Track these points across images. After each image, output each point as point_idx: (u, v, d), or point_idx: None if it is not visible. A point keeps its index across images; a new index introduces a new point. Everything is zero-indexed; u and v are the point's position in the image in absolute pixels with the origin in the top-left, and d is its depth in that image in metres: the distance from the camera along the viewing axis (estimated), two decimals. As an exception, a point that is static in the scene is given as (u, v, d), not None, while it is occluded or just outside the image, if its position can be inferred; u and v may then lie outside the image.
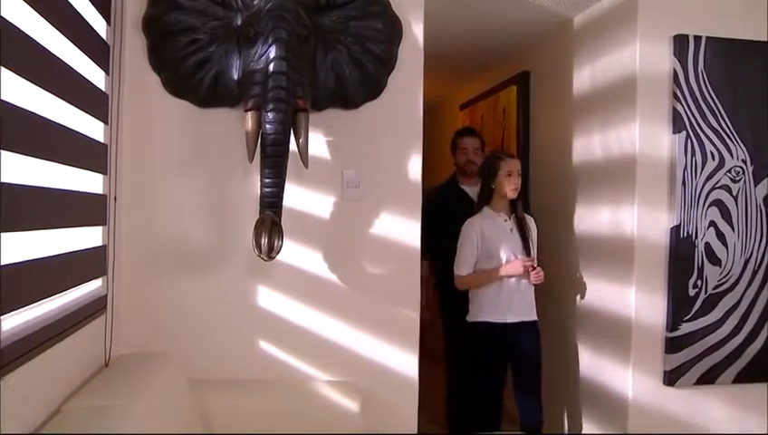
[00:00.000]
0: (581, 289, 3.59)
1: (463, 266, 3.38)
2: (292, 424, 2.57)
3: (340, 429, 2.60)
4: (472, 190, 3.85)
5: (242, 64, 2.58)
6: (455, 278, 3.42)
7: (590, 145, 3.45)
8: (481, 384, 3.41)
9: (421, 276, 3.09)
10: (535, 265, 3.30)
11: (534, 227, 3.51)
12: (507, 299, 3.33)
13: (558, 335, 3.82)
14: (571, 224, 3.73)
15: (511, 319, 3.33)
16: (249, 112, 2.49)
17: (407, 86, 2.91)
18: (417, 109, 2.93)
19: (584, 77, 3.65)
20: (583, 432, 3.59)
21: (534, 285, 3.35)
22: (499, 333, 3.33)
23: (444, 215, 3.69)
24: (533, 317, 3.41)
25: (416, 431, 2.97)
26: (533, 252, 3.39)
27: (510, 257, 3.32)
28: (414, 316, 2.93)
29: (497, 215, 3.40)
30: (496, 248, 3.34)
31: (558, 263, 3.80)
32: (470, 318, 3.42)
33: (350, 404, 2.65)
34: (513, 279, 3.32)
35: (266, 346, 2.83)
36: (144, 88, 2.69)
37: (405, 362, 2.93)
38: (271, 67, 2.41)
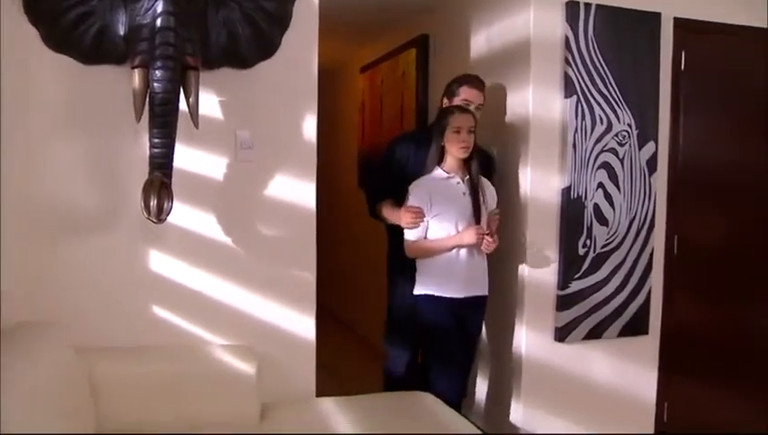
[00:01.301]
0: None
1: (412, 231, 3.12)
2: (184, 389, 2.53)
3: (234, 392, 2.57)
4: None
5: (128, 19, 2.45)
6: (404, 243, 3.16)
7: (486, 108, 3.49)
8: (430, 358, 3.22)
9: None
10: (489, 233, 3.06)
11: (493, 191, 3.26)
12: (460, 272, 3.10)
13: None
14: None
15: (462, 293, 3.11)
16: (136, 70, 2.38)
17: (301, 46, 2.85)
18: (312, 69, 2.88)
19: (481, 41, 3.69)
20: (476, 389, 3.70)
21: (486, 254, 3.14)
22: (448, 308, 3.10)
23: (407, 168, 3.32)
24: (485, 292, 3.23)
25: (314, 392, 2.98)
26: (484, 219, 3.12)
27: (465, 225, 3.07)
28: (310, 278, 2.92)
29: (449, 176, 3.14)
30: (447, 213, 3.08)
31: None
32: (417, 290, 3.17)
33: (246, 368, 2.61)
34: (466, 250, 3.09)
35: (159, 311, 2.75)
36: (22, 42, 2.53)
37: (301, 324, 2.91)
38: (158, 22, 2.31)
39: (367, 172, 5.20)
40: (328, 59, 6.22)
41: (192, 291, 2.78)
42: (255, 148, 2.80)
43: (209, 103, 2.71)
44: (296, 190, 2.87)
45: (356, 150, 6.03)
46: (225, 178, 2.78)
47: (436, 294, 3.11)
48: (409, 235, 3.12)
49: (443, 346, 3.13)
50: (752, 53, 3.77)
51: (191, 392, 2.54)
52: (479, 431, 2.61)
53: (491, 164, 3.45)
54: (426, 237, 3.11)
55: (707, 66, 3.67)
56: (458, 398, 3.21)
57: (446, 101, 3.36)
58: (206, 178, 2.76)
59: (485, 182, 3.22)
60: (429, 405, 2.82)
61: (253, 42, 2.66)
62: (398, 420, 2.63)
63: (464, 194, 3.11)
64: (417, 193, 3.10)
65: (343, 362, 5.20)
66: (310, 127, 2.89)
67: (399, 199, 3.20)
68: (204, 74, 2.55)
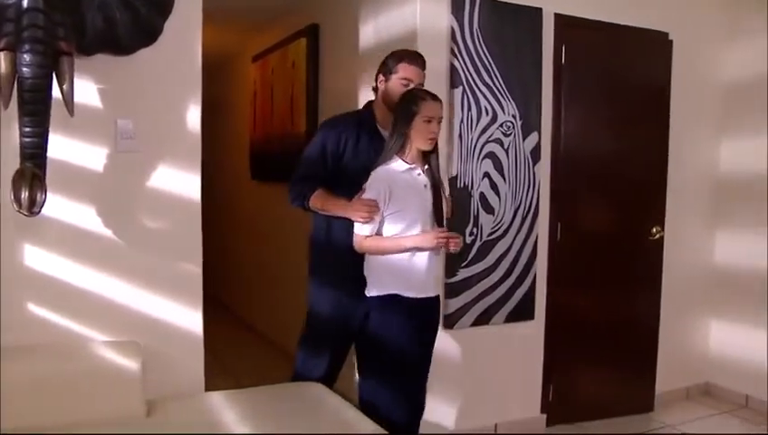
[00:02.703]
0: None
1: (365, 226, 2.79)
2: (65, 389, 2.44)
3: (118, 389, 2.49)
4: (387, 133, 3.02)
5: None
6: (354, 238, 2.82)
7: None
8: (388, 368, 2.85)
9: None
10: (448, 234, 2.78)
11: (446, 182, 3.05)
12: (421, 269, 2.81)
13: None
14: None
15: (424, 293, 2.84)
16: (2, 53, 2.25)
17: (185, 33, 2.77)
18: (196, 57, 2.82)
19: (369, 31, 3.71)
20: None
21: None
22: (410, 309, 2.82)
23: (341, 155, 2.98)
24: (438, 291, 2.98)
25: (203, 387, 2.93)
26: (446, 210, 2.90)
27: (424, 221, 2.80)
28: (196, 270, 2.86)
29: (411, 167, 2.81)
30: (407, 207, 2.78)
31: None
32: (375, 291, 2.84)
33: (130, 364, 2.54)
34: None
35: (37, 309, 2.63)
36: None
37: (188, 317, 2.86)
38: (25, 2, 2.19)
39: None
40: (220, 48, 6.12)
41: (72, 287, 2.67)
42: (137, 138, 2.71)
43: (87, 91, 2.61)
44: (180, 181, 2.80)
45: (248, 140, 5.94)
46: (105, 168, 2.68)
47: (400, 293, 2.80)
48: (362, 229, 2.78)
49: (398, 357, 2.81)
50: (628, 50, 3.97)
51: (72, 392, 2.45)
52: (369, 420, 2.62)
53: None
54: (380, 233, 2.80)
55: (587, 61, 3.84)
56: (417, 415, 2.93)
57: (381, 79, 3.00)
58: (84, 169, 2.65)
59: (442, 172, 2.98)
60: (319, 395, 2.82)
61: (131, 27, 2.55)
62: (287, 411, 2.62)
63: (425, 187, 2.82)
64: (375, 185, 2.76)
65: (241, 359, 5.15)
66: (194, 117, 2.82)
67: (335, 189, 2.94)
68: (80, 61, 2.45)
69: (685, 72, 4.20)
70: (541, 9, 3.60)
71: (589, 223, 3.95)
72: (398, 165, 2.79)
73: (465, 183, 3.40)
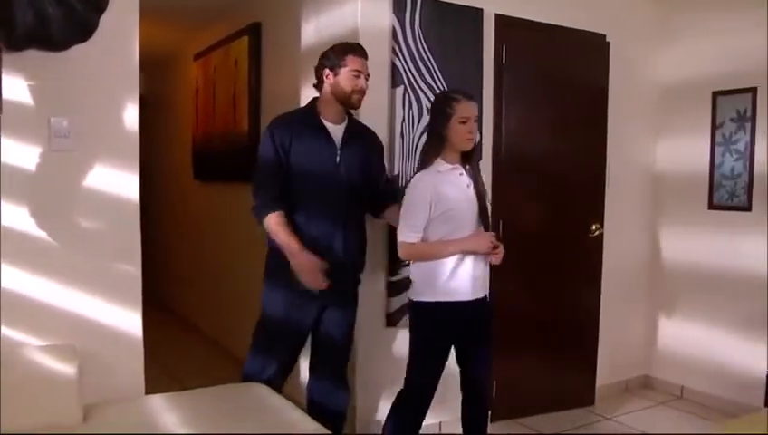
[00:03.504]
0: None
1: (411, 232, 2.76)
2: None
3: (53, 394, 2.43)
4: (336, 130, 3.01)
5: None
6: (399, 246, 2.81)
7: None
8: (429, 368, 2.92)
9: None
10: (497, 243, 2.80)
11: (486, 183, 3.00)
12: (474, 273, 2.83)
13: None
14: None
15: (471, 296, 2.86)
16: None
17: (121, 29, 2.72)
18: (133, 54, 2.76)
19: (310, 30, 3.69)
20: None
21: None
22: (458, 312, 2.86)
23: (296, 158, 2.91)
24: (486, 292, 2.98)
25: (143, 390, 2.88)
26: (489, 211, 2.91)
27: (472, 223, 2.80)
28: (135, 271, 2.81)
29: (453, 167, 2.83)
30: (455, 206, 2.77)
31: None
32: (422, 297, 2.86)
33: (66, 368, 2.48)
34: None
35: (-33, 314, 2.56)
36: None
37: (127, 319, 2.80)
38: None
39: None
40: (161, 45, 6.03)
41: (5, 289, 2.58)
42: (72, 136, 2.64)
43: (18, 87, 2.53)
44: (118, 181, 2.74)
45: (190, 139, 5.86)
46: (38, 168, 2.60)
47: (457, 299, 2.83)
48: (408, 236, 2.78)
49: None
50: (567, 51, 4.04)
51: (6, 399, 2.37)
52: (311, 420, 2.62)
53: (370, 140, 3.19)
54: (425, 239, 2.79)
55: (527, 61, 3.90)
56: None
57: (328, 72, 2.95)
58: (16, 169, 2.56)
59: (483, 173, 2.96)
60: (263, 396, 2.80)
61: (64, 22, 2.49)
62: (229, 412, 2.59)
63: (468, 186, 2.82)
64: (420, 186, 2.77)
65: (185, 361, 5.09)
66: (132, 115, 2.77)
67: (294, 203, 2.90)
68: (9, 56, 2.39)
69: (622, 73, 4.30)
70: (482, 9, 3.65)
71: (529, 220, 4.01)
72: (440, 166, 2.79)
73: (406, 181, 3.40)
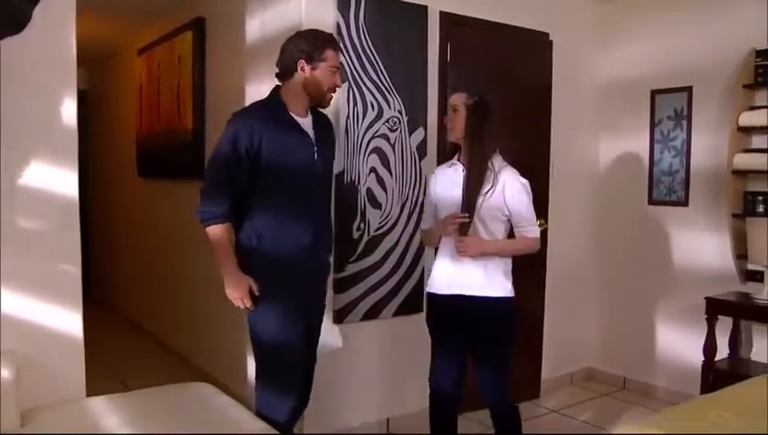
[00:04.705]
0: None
1: (424, 220, 3.12)
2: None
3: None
4: (306, 124, 2.75)
5: None
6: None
7: (260, 94, 3.47)
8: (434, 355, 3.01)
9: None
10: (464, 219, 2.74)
11: (511, 183, 2.90)
12: (451, 267, 2.85)
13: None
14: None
15: (451, 291, 2.86)
16: None
17: (56, 21, 2.64)
18: (70, 47, 2.69)
19: (255, 26, 3.66)
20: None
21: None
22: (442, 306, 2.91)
23: (260, 149, 2.62)
24: (481, 292, 2.87)
25: (84, 393, 2.82)
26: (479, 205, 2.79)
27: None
28: (74, 271, 2.74)
29: (454, 162, 2.91)
30: (443, 202, 2.86)
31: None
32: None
33: (3, 373, 2.41)
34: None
35: None
36: None
37: (67, 320, 2.73)
38: None
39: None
40: (104, 40, 5.90)
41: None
42: (5, 132, 2.56)
43: (-55, 83, 2.46)
44: (55, 178, 2.67)
45: (134, 136, 5.76)
46: (-30, 165, 2.53)
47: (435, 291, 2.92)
48: (423, 223, 3.12)
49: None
50: (512, 49, 4.09)
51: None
52: (257, 419, 2.60)
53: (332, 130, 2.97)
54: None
55: (472, 58, 3.93)
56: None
57: (303, 64, 2.66)
58: (-54, 167, 2.50)
59: (504, 171, 2.89)
60: (207, 395, 2.77)
61: (-6, 14, 2.42)
62: (172, 413, 2.56)
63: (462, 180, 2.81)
64: (430, 180, 3.05)
65: (130, 361, 5.00)
66: (69, 110, 2.70)
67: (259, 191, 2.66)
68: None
69: (565, 72, 4.38)
70: (426, 7, 3.67)
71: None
72: (451, 161, 2.93)
73: (351, 178, 3.42)
